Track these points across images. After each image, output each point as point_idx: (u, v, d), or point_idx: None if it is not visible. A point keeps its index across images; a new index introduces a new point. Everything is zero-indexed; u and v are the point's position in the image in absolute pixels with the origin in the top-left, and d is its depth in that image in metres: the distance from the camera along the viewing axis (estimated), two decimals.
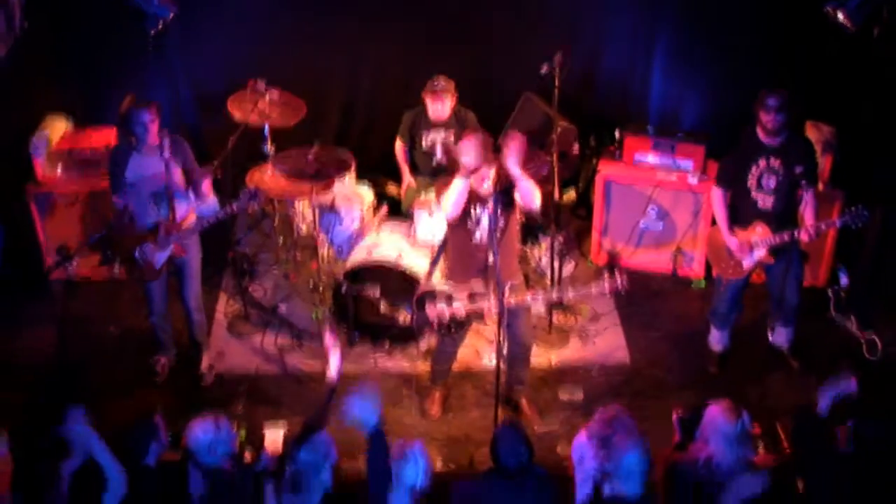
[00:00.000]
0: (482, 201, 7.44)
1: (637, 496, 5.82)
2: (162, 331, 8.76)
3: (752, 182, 8.02)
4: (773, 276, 8.41)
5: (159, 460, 6.47)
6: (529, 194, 7.47)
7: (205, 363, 8.86)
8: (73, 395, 7.78)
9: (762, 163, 7.96)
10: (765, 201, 8.05)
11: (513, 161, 7.34)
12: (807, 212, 8.07)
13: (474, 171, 7.33)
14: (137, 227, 8.16)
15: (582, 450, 6.43)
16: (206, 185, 8.26)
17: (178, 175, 8.11)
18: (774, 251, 8.08)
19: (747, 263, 8.17)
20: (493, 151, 7.42)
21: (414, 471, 6.10)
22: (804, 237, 7.90)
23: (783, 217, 8.06)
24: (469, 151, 7.33)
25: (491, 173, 7.39)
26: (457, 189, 7.42)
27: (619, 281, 7.45)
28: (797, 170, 7.92)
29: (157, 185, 8.03)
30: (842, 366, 6.83)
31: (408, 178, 9.79)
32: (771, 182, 7.96)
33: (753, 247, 8.08)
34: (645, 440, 5.91)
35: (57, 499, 6.23)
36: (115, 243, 8.23)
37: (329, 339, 6.85)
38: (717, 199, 8.26)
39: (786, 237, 7.94)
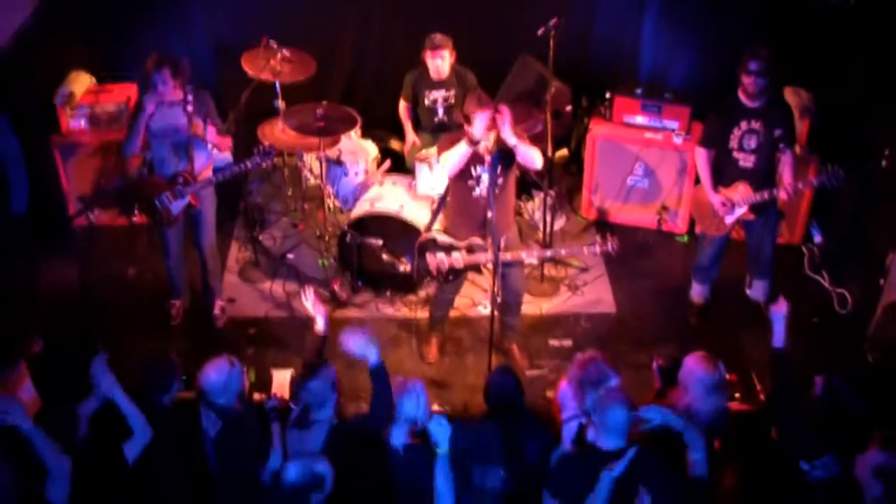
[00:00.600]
0: (481, 160, 7.51)
1: (620, 448, 5.87)
2: (177, 276, 8.87)
3: (734, 143, 8.13)
4: (752, 232, 8.54)
5: (175, 399, 6.53)
6: (530, 158, 7.59)
7: (217, 307, 9.00)
8: (93, 334, 7.89)
9: (744, 124, 8.06)
10: (746, 161, 8.16)
11: (507, 131, 7.46)
12: (785, 172, 8.16)
13: (478, 141, 7.41)
14: (157, 175, 8.30)
15: (564, 394, 6.58)
16: (212, 134, 8.27)
17: (199, 128, 8.16)
18: (755, 208, 8.21)
19: (729, 220, 8.29)
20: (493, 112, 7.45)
21: (415, 405, 6.19)
22: (783, 196, 8.05)
23: (763, 176, 8.19)
24: (479, 124, 7.38)
25: (491, 135, 7.46)
26: (459, 153, 7.51)
27: (609, 245, 7.61)
28: (776, 132, 8.03)
29: (179, 137, 8.11)
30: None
31: (411, 135, 9.85)
32: (752, 143, 8.07)
33: (735, 204, 8.19)
34: (628, 395, 5.98)
35: (76, 439, 6.17)
36: (135, 191, 8.33)
37: (314, 301, 7.05)
38: (701, 158, 8.36)
39: (766, 195, 8.07)
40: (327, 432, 6.32)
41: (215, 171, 8.31)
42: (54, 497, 5.84)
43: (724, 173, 8.28)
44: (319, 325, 6.93)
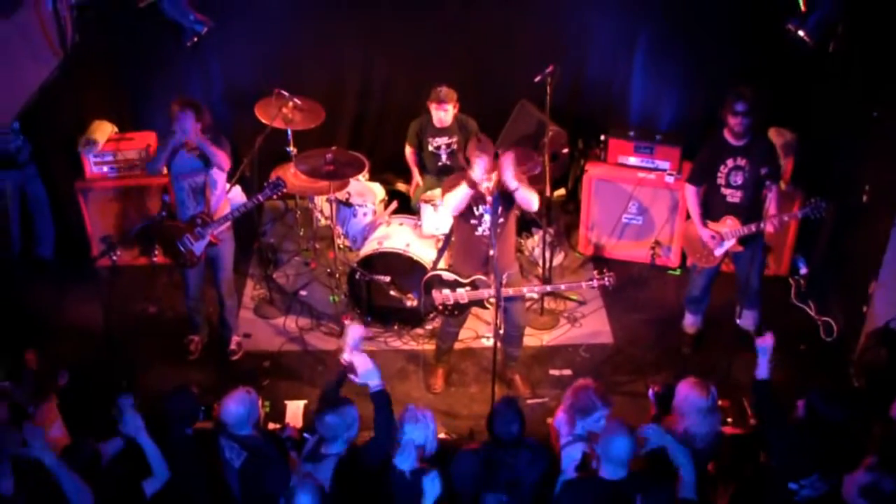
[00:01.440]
0: (484, 200, 7.59)
1: (622, 479, 5.95)
2: (196, 313, 9.02)
3: (721, 179, 8.29)
4: (740, 264, 8.66)
5: (195, 430, 6.62)
6: (528, 201, 7.73)
7: (234, 342, 9.12)
8: (118, 373, 7.96)
9: (730, 162, 8.22)
10: (733, 196, 8.32)
11: (509, 175, 7.57)
12: (771, 206, 8.32)
13: (477, 183, 7.54)
14: (177, 220, 8.43)
15: (560, 420, 6.72)
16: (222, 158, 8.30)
17: (215, 172, 8.33)
18: (743, 241, 8.37)
19: (718, 252, 8.43)
20: (494, 159, 7.58)
21: (424, 433, 6.34)
22: (769, 229, 8.19)
23: (750, 210, 8.33)
24: (479, 167, 7.49)
25: (493, 176, 7.57)
26: (461, 194, 7.66)
27: (607, 279, 7.77)
28: (762, 170, 8.18)
29: (196, 179, 8.29)
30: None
31: (417, 178, 10.00)
32: (738, 179, 8.23)
33: (724, 237, 8.34)
34: (628, 424, 6.04)
35: (98, 472, 6.27)
36: (159, 235, 8.50)
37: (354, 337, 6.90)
38: (690, 195, 8.51)
39: (753, 228, 8.22)
40: (335, 465, 6.32)
41: (231, 209, 8.41)
42: None
43: (712, 208, 8.44)
44: (345, 355, 6.84)
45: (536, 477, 6.40)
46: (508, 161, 7.56)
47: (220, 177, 8.40)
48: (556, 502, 6.17)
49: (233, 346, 9.08)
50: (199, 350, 9.08)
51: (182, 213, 8.41)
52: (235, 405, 6.41)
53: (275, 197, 8.60)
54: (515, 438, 6.39)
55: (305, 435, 6.92)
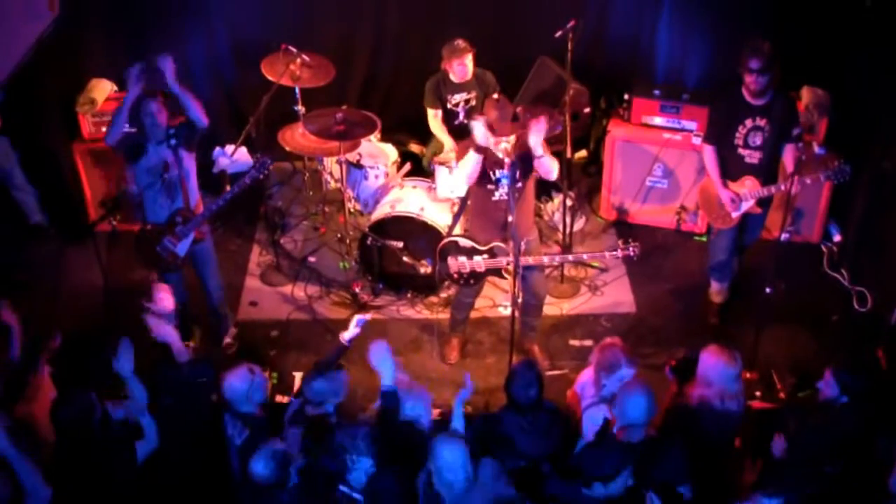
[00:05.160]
0: (501, 164, 7.48)
1: (641, 440, 6.09)
2: (185, 314, 8.40)
3: (739, 140, 8.10)
4: (750, 226, 8.56)
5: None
6: (548, 170, 7.59)
7: (230, 335, 8.88)
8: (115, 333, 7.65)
9: (749, 122, 8.03)
10: (751, 157, 8.15)
11: (537, 141, 7.40)
12: (788, 162, 8.12)
13: (483, 148, 7.40)
14: (150, 223, 8.08)
15: (583, 384, 6.81)
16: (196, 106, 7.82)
17: (188, 162, 7.94)
18: (761, 203, 8.24)
19: (736, 214, 8.29)
20: (513, 119, 7.44)
21: (414, 407, 6.53)
22: (784, 189, 7.92)
23: (768, 171, 8.18)
24: (477, 130, 7.38)
25: (511, 139, 7.41)
26: (471, 162, 7.49)
27: (631, 249, 7.62)
28: (782, 128, 7.98)
29: (170, 173, 7.87)
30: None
31: (450, 142, 9.56)
32: (757, 140, 8.05)
33: (742, 198, 8.18)
34: (648, 387, 6.18)
35: (93, 422, 6.28)
36: (134, 246, 8.19)
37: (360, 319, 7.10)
38: (709, 154, 8.32)
39: (773, 189, 8.09)
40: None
41: (216, 201, 8.07)
42: None
43: (729, 169, 8.25)
44: (346, 335, 7.00)
45: (555, 442, 6.44)
46: (541, 127, 7.38)
47: (192, 167, 8.00)
48: (576, 466, 6.15)
49: (228, 340, 8.82)
50: (199, 347, 8.56)
51: (156, 214, 8.01)
52: (237, 382, 6.48)
53: (261, 177, 8.12)
54: (534, 402, 6.41)
55: (292, 399, 7.05)
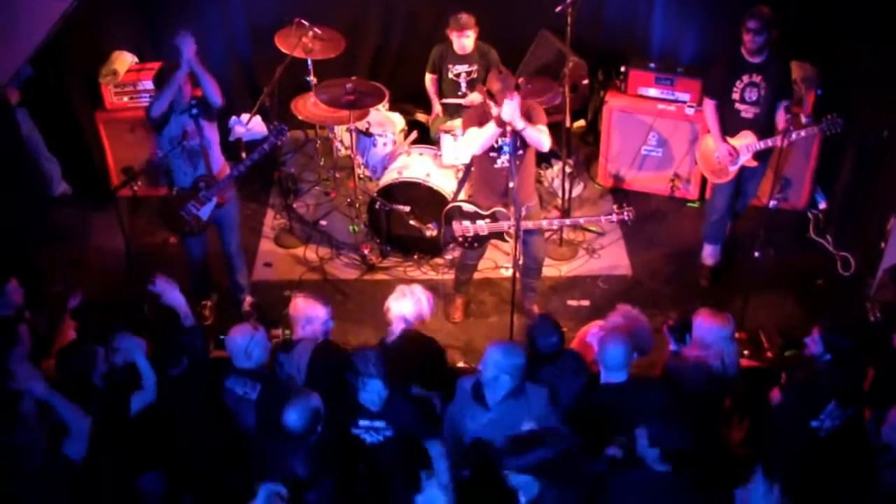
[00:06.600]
0: (503, 133, 7.57)
1: (623, 382, 6.25)
2: (203, 278, 8.77)
3: (736, 94, 8.32)
4: (749, 181, 8.72)
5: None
6: (537, 141, 7.68)
7: (247, 303, 8.89)
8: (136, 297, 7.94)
9: (745, 78, 8.24)
10: (747, 112, 8.35)
11: (511, 115, 7.47)
12: (780, 122, 8.21)
13: (507, 123, 7.45)
14: (177, 188, 8.14)
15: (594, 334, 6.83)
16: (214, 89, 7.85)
17: (209, 131, 7.96)
18: (758, 156, 8.38)
19: (733, 168, 8.47)
20: (515, 89, 7.50)
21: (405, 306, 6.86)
22: (780, 143, 8.09)
23: (764, 126, 8.34)
24: (510, 109, 7.40)
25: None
26: (489, 133, 7.61)
27: (626, 214, 7.75)
28: (777, 87, 8.19)
29: (192, 143, 7.88)
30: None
31: (437, 107, 9.92)
32: (752, 95, 8.26)
33: (740, 152, 8.33)
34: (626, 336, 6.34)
35: (93, 376, 6.42)
36: (158, 210, 8.33)
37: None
38: (709, 109, 8.52)
39: (769, 143, 8.24)
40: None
41: (238, 167, 8.17)
42: (73, 453, 6.03)
43: (727, 123, 8.44)
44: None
45: (580, 385, 6.45)
46: (514, 105, 7.46)
47: (214, 136, 8.04)
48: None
49: (246, 307, 8.83)
50: (213, 314, 8.83)
51: (181, 179, 8.06)
52: (238, 336, 6.54)
53: (278, 143, 8.30)
54: (557, 349, 6.52)
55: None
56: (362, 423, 6.17)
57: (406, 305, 6.95)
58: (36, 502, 5.87)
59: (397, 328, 6.96)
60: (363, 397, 6.12)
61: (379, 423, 6.15)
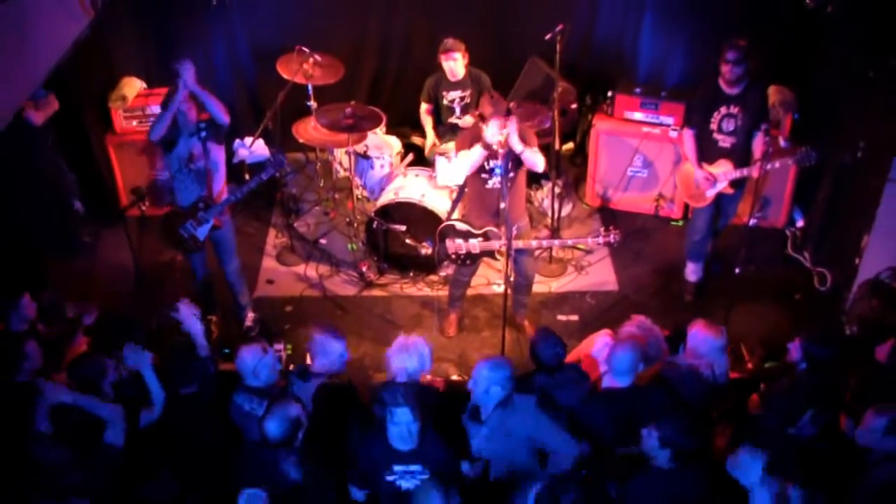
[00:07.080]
0: (495, 155, 7.66)
1: (627, 387, 6.43)
2: (208, 292, 8.85)
3: (713, 125, 8.47)
4: (726, 207, 8.90)
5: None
6: (533, 163, 7.88)
7: (249, 319, 9.02)
8: (145, 314, 8.15)
9: (723, 109, 8.41)
10: (724, 142, 8.51)
11: (514, 140, 7.67)
12: (757, 151, 8.34)
13: (491, 145, 7.61)
14: (178, 206, 8.25)
15: (600, 351, 7.02)
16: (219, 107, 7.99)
17: (215, 153, 8.12)
18: (734, 184, 8.55)
19: (710, 193, 8.60)
20: (506, 114, 7.65)
21: (409, 361, 6.60)
22: (754, 174, 8.28)
23: (741, 155, 8.48)
24: (493, 130, 7.54)
25: (505, 132, 7.59)
26: (476, 156, 7.78)
27: (612, 236, 7.92)
28: (754, 117, 8.32)
29: (198, 164, 8.04)
30: None
31: (431, 134, 10.09)
32: (730, 126, 8.43)
33: (717, 179, 8.48)
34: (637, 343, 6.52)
35: (102, 385, 6.54)
36: (160, 225, 8.36)
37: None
38: (687, 138, 8.68)
39: (745, 172, 8.39)
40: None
41: (232, 190, 8.31)
42: (115, 440, 6.24)
43: (705, 151, 8.59)
44: None
45: (581, 395, 6.57)
46: (513, 127, 7.64)
47: (221, 158, 8.19)
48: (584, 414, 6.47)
49: (249, 323, 8.96)
50: (218, 329, 8.76)
51: (184, 198, 8.17)
52: (248, 355, 6.59)
53: (276, 174, 8.43)
54: (562, 361, 6.66)
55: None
56: (397, 468, 6.02)
57: (409, 361, 6.62)
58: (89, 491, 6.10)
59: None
60: (392, 432, 5.93)
61: (415, 468, 6.00)
